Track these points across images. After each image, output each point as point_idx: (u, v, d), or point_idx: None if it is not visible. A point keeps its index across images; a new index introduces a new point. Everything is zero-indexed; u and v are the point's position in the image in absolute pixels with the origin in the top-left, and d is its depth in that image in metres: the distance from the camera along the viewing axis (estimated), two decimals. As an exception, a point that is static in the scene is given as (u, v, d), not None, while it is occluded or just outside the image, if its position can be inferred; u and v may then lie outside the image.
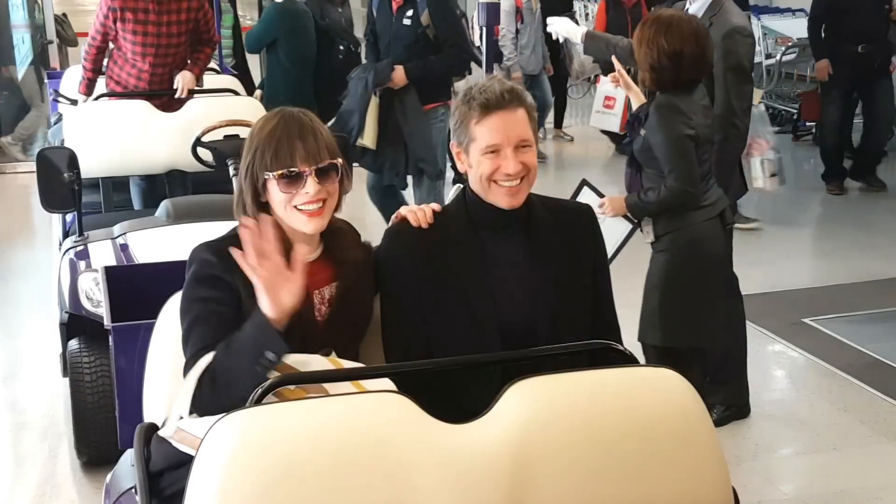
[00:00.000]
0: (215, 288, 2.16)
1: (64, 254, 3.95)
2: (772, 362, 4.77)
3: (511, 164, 2.19)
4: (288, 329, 2.11)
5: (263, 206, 2.21)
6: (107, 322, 3.02)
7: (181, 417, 2.10)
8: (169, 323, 2.36)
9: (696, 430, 1.76)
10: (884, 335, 5.00)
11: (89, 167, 4.24)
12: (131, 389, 2.64)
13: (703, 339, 3.38)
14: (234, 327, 2.10)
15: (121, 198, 4.89)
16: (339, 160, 2.22)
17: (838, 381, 4.49)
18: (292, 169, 2.16)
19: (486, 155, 2.22)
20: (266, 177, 2.16)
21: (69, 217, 4.30)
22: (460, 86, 5.51)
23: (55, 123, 5.62)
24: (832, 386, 4.45)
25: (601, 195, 3.44)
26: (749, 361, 4.41)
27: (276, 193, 2.18)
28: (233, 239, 2.18)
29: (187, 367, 2.12)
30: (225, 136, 4.06)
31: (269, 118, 2.24)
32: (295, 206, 2.18)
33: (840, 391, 4.41)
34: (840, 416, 4.19)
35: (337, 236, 2.30)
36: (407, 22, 4.95)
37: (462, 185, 2.37)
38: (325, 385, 1.94)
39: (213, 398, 1.94)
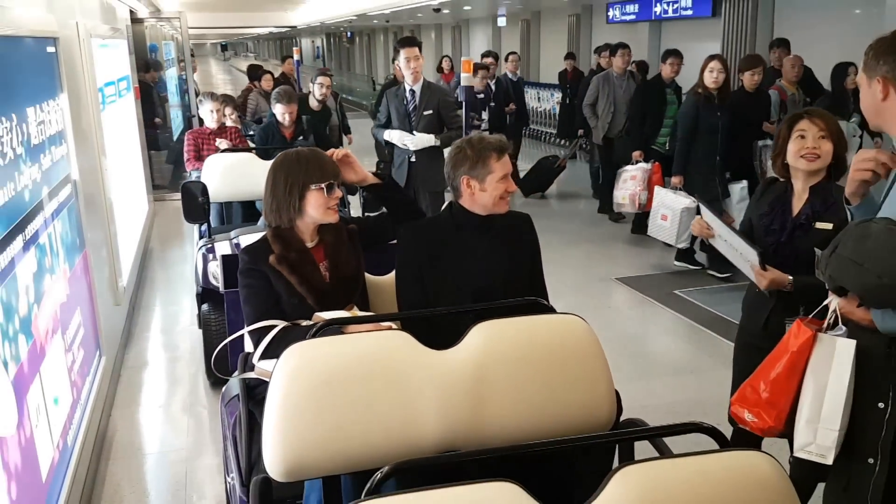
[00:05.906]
0: (252, 277, 2.55)
1: (199, 249, 4.58)
2: (652, 318, 5.56)
3: (512, 184, 2.62)
4: (311, 291, 2.57)
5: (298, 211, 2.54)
6: (222, 289, 3.43)
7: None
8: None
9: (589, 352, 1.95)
10: (725, 301, 5.80)
11: (216, 194, 4.98)
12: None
13: None
14: (268, 298, 2.52)
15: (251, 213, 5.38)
16: None
17: (695, 330, 5.28)
18: (331, 181, 2.56)
19: (502, 181, 2.59)
20: (312, 188, 2.51)
21: (203, 226, 4.96)
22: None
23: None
24: (690, 333, 5.25)
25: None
26: (637, 318, 5.02)
27: (318, 198, 2.52)
28: (262, 242, 2.63)
29: (250, 329, 2.47)
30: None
31: (295, 153, 2.56)
32: (328, 207, 2.56)
33: (696, 336, 5.16)
34: (695, 352, 4.90)
35: (324, 228, 2.67)
36: None
37: (450, 202, 2.74)
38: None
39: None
